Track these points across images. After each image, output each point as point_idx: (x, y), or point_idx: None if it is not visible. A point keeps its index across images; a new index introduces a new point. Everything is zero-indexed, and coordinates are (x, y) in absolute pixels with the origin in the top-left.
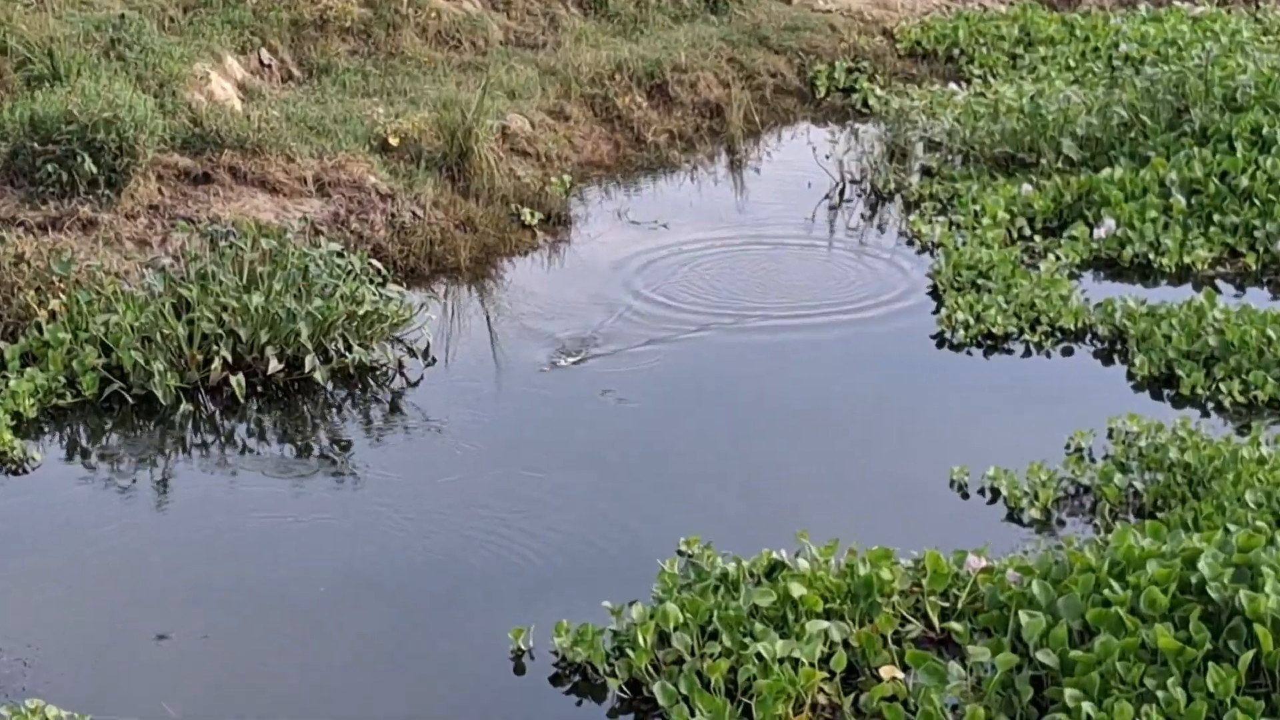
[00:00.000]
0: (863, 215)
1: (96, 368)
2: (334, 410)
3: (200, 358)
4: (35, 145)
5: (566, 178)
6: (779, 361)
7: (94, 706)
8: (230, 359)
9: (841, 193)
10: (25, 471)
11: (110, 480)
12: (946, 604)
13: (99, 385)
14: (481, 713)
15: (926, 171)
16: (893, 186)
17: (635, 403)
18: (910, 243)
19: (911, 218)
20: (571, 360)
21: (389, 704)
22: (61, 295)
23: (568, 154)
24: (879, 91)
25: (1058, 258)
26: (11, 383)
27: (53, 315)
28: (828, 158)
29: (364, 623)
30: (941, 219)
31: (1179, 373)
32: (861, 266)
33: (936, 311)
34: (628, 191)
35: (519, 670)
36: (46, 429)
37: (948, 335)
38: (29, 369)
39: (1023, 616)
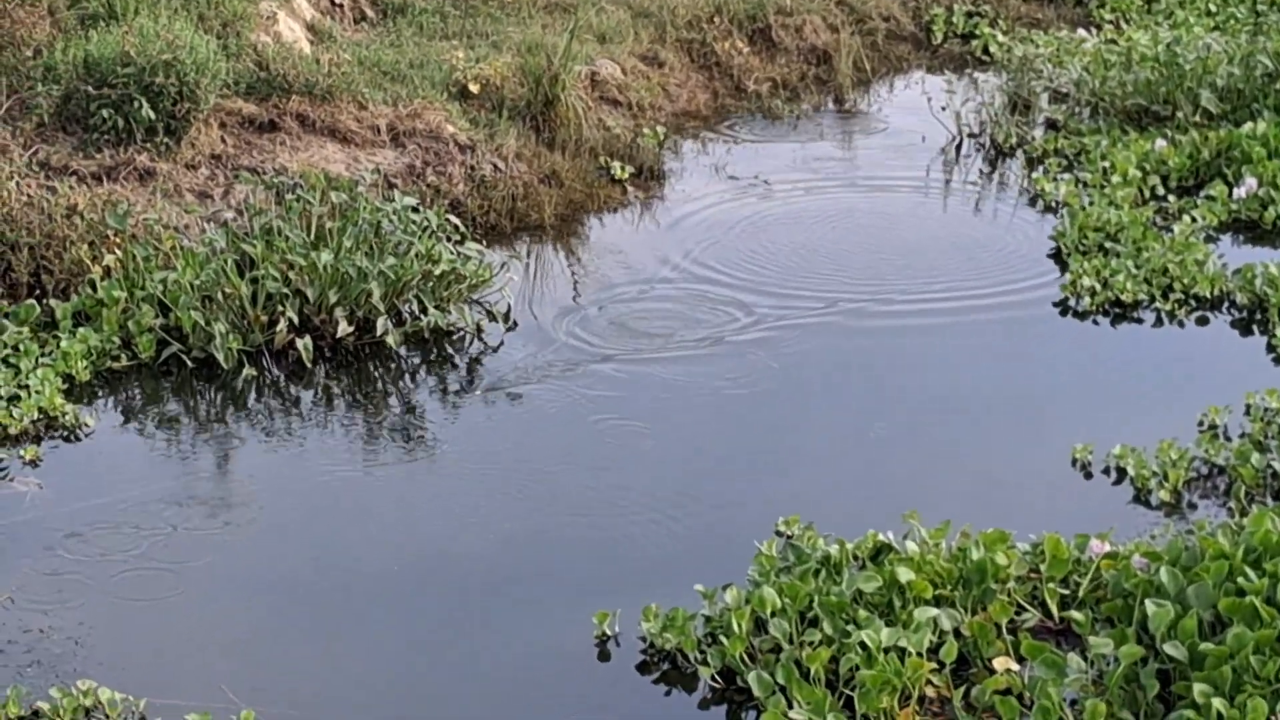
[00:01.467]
0: (981, 172)
1: (153, 328)
2: (407, 376)
3: (264, 319)
4: (89, 89)
5: (660, 129)
6: (887, 332)
7: (147, 689)
8: (296, 320)
9: (958, 147)
10: (77, 438)
11: (167, 449)
12: (1066, 591)
13: (156, 347)
14: (563, 702)
15: (1052, 125)
16: (1014, 141)
17: (731, 375)
18: (1032, 202)
19: (1034, 175)
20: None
21: (462, 692)
22: (117, 250)
23: (661, 103)
24: (1000, 38)
25: (1193, 219)
26: (63, 343)
27: (107, 272)
28: (944, 109)
29: (438, 604)
30: (1067, 177)
31: None
32: (979, 228)
33: (1060, 277)
34: (726, 144)
35: (604, 657)
36: (100, 393)
37: (1072, 302)
38: (82, 329)
39: (1149, 606)
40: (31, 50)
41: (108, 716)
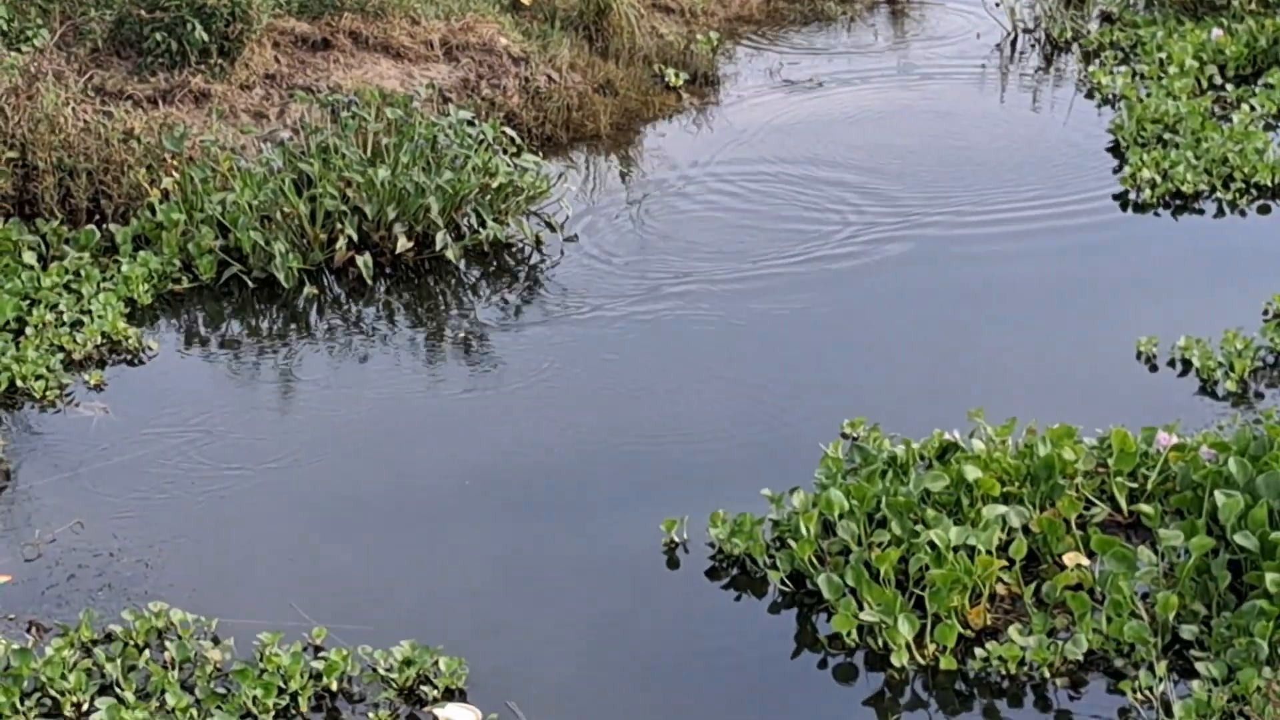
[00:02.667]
0: (1037, 67)
1: (213, 250)
2: (468, 290)
3: (324, 237)
4: (142, 12)
5: (713, 34)
6: (947, 227)
7: (218, 609)
8: (355, 238)
9: (1014, 42)
10: (141, 362)
11: (231, 370)
12: (1135, 485)
13: (216, 268)
14: (633, 609)
15: (1106, 18)
16: (1069, 35)
17: (791, 277)
18: (1089, 95)
19: (1090, 68)
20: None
21: (533, 604)
22: (174, 173)
23: (714, 8)
24: None
25: (1252, 108)
26: (124, 267)
27: (165, 195)
28: (998, 5)
29: (506, 517)
30: (1123, 69)
31: None
32: (1035, 123)
33: (1119, 170)
34: (780, 48)
35: (672, 564)
36: (162, 316)
37: (1131, 195)
38: (142, 253)
39: (1218, 497)
40: None
41: (180, 637)
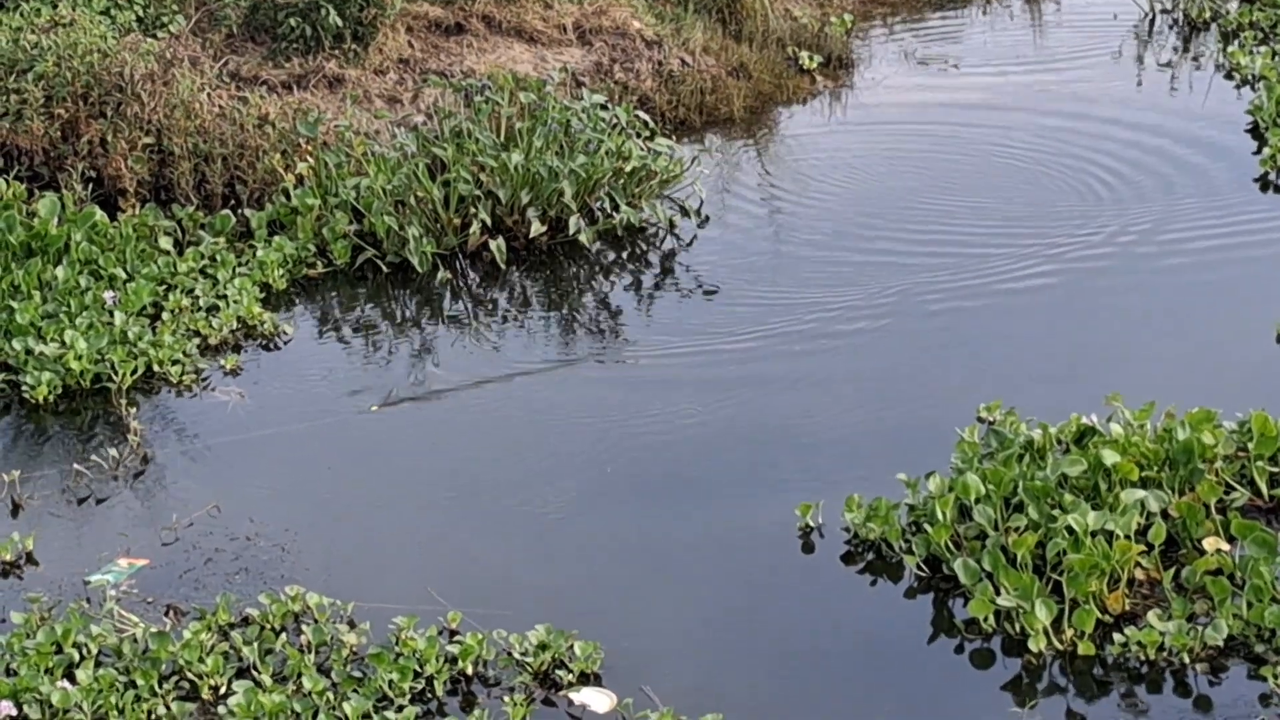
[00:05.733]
0: (1174, 48)
1: (348, 234)
2: (602, 274)
3: (457, 221)
4: None
5: (848, 16)
6: (1080, 207)
7: (354, 593)
8: (489, 222)
9: (1151, 23)
10: (276, 347)
11: (366, 355)
12: (1276, 469)
13: (351, 253)
14: (769, 593)
15: None
16: (1208, 15)
17: (925, 263)
18: (1228, 76)
19: (1230, 49)
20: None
21: (668, 588)
22: (309, 158)
23: None
24: None
25: None
26: (259, 252)
27: (300, 180)
28: None
29: (644, 501)
30: (1263, 49)
31: None
32: (1173, 104)
33: (1258, 152)
34: (914, 30)
35: (808, 549)
36: (297, 300)
37: (1272, 176)
38: (277, 238)
39: None
40: None
41: (316, 621)
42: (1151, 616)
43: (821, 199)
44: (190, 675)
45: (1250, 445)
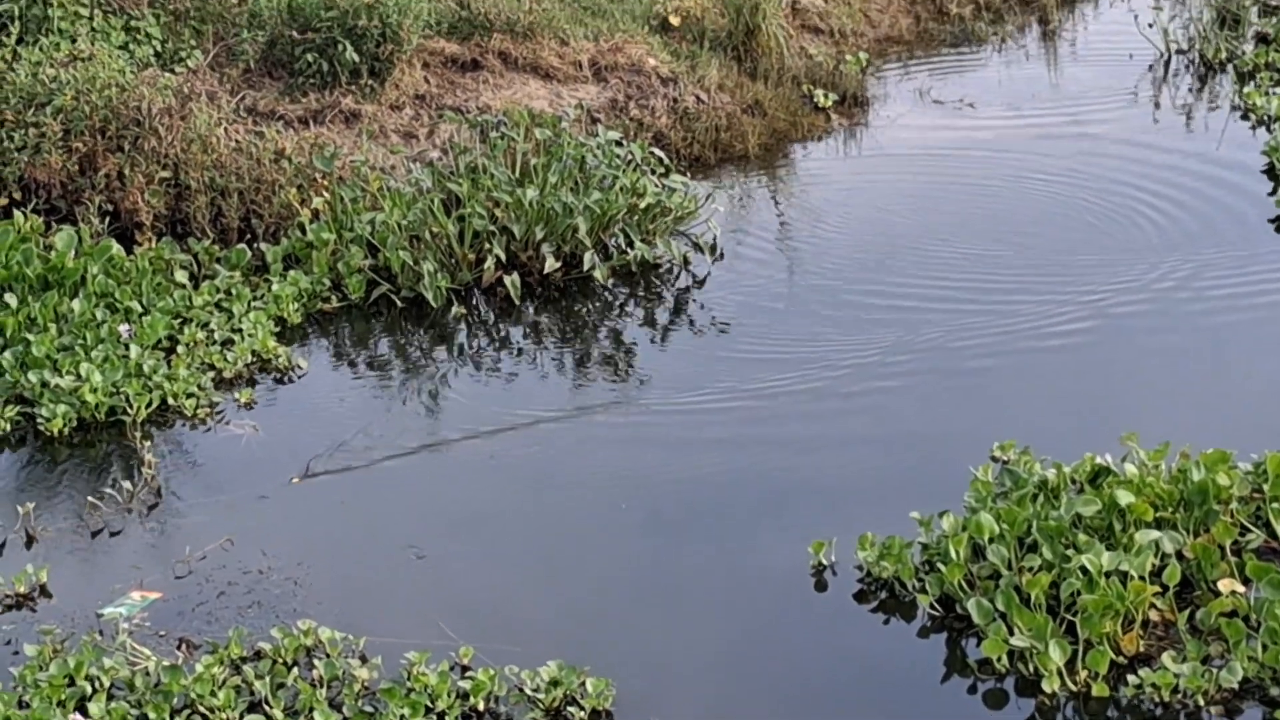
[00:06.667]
0: (1190, 89)
1: (363, 269)
2: (615, 311)
3: (472, 257)
4: (294, 34)
5: (863, 55)
6: (1098, 248)
7: (366, 627)
8: (504, 258)
9: (1167, 64)
10: (291, 380)
11: (380, 389)
12: None
13: (365, 287)
14: (781, 632)
15: (1262, 39)
16: (1224, 56)
17: (940, 302)
18: (1244, 117)
19: (1245, 90)
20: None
21: (681, 626)
22: (325, 193)
23: (863, 29)
24: None
25: None
26: (275, 286)
27: (316, 214)
28: (1150, 26)
29: (655, 538)
30: (1279, 90)
31: None
32: (1190, 145)
33: (1274, 193)
34: (930, 69)
35: (820, 587)
36: (311, 335)
37: None
38: (292, 272)
39: None
40: None
41: (328, 655)
42: (1166, 658)
43: (835, 236)
44: (202, 709)
45: (1266, 487)
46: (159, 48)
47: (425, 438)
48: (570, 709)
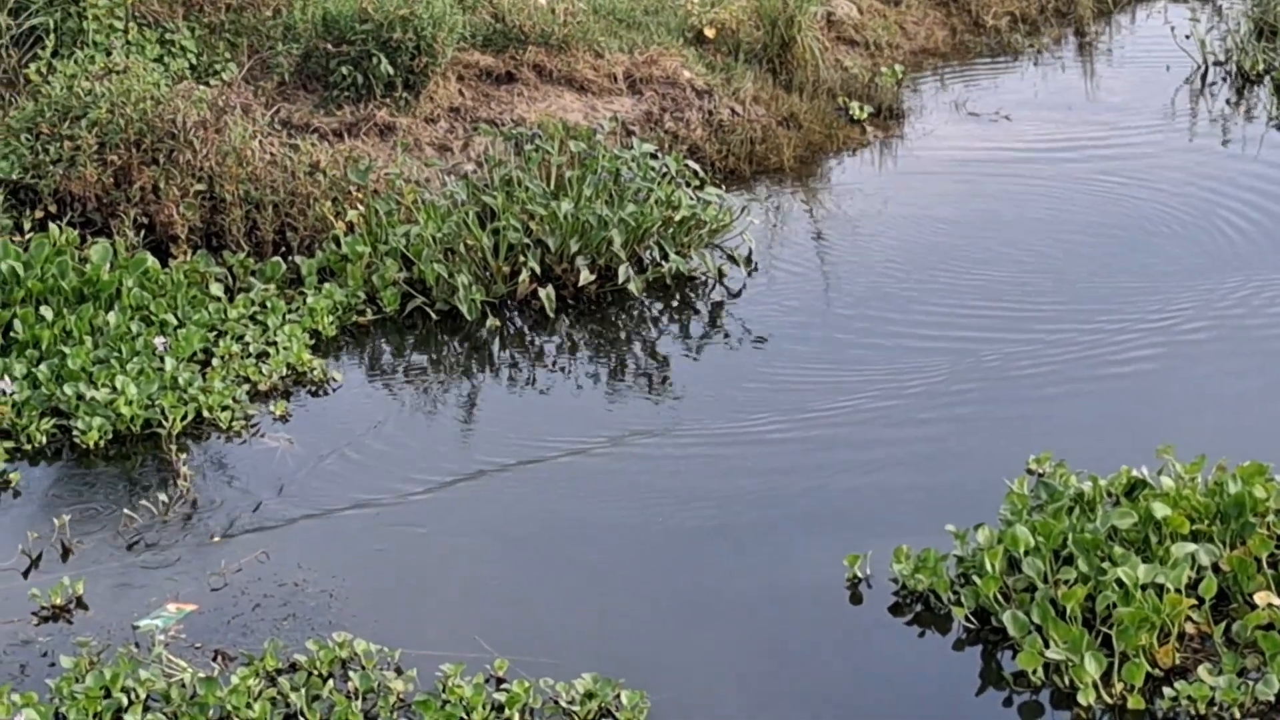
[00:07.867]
0: (1228, 101)
1: (397, 282)
2: (650, 323)
3: (507, 269)
4: (328, 47)
5: (898, 67)
6: (1136, 263)
7: (402, 640)
8: (538, 270)
9: (1204, 76)
10: (326, 393)
11: (414, 402)
12: None
13: (400, 300)
14: (816, 645)
15: None
16: (1261, 68)
17: (974, 313)
18: None
19: None
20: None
21: (716, 638)
22: (359, 205)
23: (899, 41)
24: None
25: None
26: (309, 299)
27: (350, 227)
28: (1188, 38)
29: (690, 551)
30: None
31: None
32: (1226, 157)
33: None
34: (965, 81)
35: (855, 600)
36: (346, 347)
37: None
38: (327, 285)
39: None
40: (271, 10)
41: (363, 667)
42: (1202, 671)
43: (871, 249)
44: None
45: None
46: (194, 60)
47: (458, 453)
48: None
